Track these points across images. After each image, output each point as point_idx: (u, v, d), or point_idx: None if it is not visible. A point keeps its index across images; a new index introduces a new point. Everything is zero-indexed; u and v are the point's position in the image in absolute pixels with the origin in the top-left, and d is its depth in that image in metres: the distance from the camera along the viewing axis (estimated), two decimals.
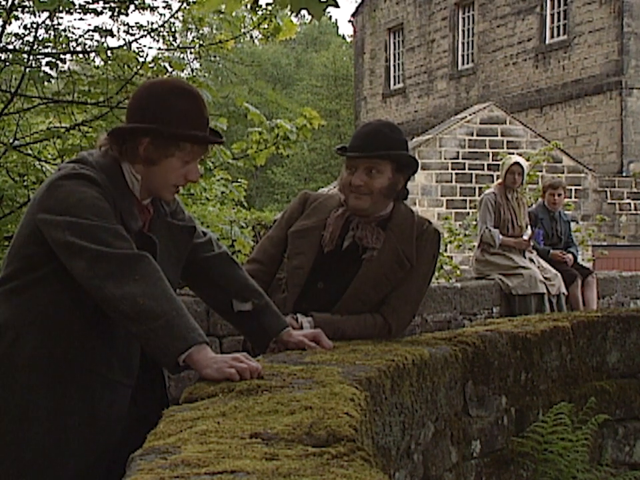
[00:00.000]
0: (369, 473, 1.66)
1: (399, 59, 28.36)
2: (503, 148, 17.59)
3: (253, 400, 2.14)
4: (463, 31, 25.69)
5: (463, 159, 18.06)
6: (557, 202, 8.40)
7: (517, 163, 7.83)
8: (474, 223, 13.16)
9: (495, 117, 18.32)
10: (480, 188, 17.44)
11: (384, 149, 3.14)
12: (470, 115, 18.51)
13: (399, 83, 28.32)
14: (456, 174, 17.96)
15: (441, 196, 17.86)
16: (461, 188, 17.90)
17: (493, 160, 17.41)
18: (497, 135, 18.12)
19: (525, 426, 3.75)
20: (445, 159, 17.99)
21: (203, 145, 2.66)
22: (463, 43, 25.70)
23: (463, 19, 25.66)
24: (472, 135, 18.12)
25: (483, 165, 18.03)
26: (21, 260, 2.60)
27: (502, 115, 18.46)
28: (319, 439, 1.84)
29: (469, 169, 18.07)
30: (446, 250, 12.81)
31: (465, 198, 17.72)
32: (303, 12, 3.23)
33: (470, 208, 16.85)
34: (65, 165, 2.68)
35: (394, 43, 28.50)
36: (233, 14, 7.19)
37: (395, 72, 28.54)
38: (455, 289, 7.43)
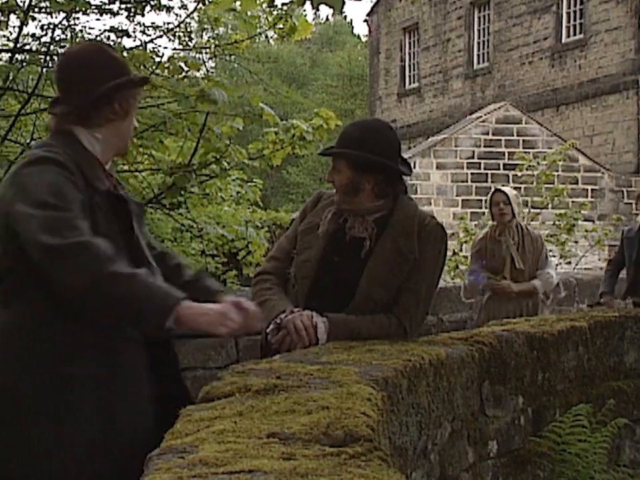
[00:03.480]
0: (387, 472, 1.65)
1: (414, 59, 28.32)
2: (518, 147, 17.54)
3: (270, 400, 2.15)
4: (479, 30, 25.63)
5: (478, 158, 18.03)
6: None
7: (499, 191, 6.48)
8: (489, 223, 13.14)
9: (511, 117, 18.27)
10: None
11: (344, 148, 3.22)
12: (485, 114, 18.47)
13: (414, 82, 28.28)
14: (471, 173, 17.93)
15: (457, 196, 17.83)
16: (476, 187, 17.87)
17: (508, 159, 17.37)
18: (512, 135, 18.08)
19: (542, 426, 3.74)
20: (461, 158, 17.96)
21: (143, 85, 2.88)
22: (479, 42, 25.64)
23: (479, 18, 25.60)
24: (487, 134, 18.08)
25: (499, 164, 17.99)
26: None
27: (518, 114, 18.41)
28: (336, 438, 1.84)
29: (485, 169, 18.03)
30: (461, 250, 12.79)
31: (480, 198, 17.67)
32: (323, 6, 3.24)
33: (485, 208, 16.81)
34: (30, 151, 2.75)
35: (409, 43, 28.45)
36: (248, 13, 7.20)
37: (410, 71, 28.50)
38: None
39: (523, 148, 17.39)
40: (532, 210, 13.43)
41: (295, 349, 3.03)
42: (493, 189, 6.71)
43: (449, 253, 13.97)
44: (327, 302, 3.19)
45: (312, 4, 3.23)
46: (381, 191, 3.23)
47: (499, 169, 17.90)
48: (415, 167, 17.69)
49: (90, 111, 2.70)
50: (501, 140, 18.05)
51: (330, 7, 3.19)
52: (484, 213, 15.77)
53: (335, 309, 3.17)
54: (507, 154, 17.74)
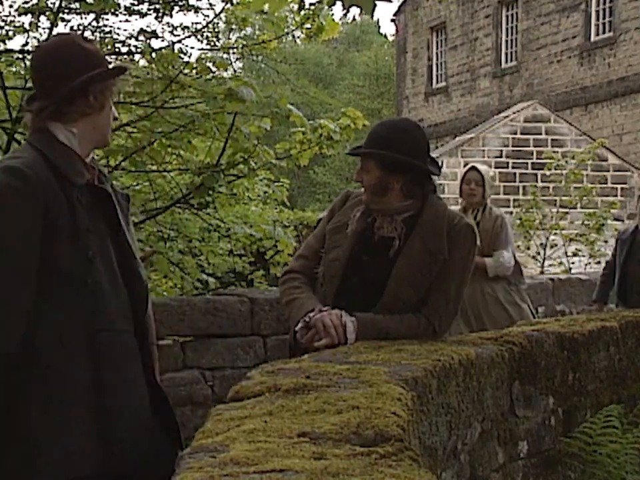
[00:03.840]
0: (418, 473, 1.65)
1: (441, 58, 28.23)
2: (547, 147, 17.43)
3: (300, 399, 2.14)
4: (507, 28, 25.49)
5: (506, 157, 17.93)
6: None
7: (474, 168, 6.07)
8: (517, 221, 13.06)
9: (539, 116, 18.17)
10: (524, 187, 17.31)
11: (372, 148, 3.21)
12: (513, 113, 18.37)
13: (441, 81, 28.19)
14: (499, 173, 17.83)
15: None
16: (504, 187, 17.78)
17: (537, 159, 17.26)
18: (541, 134, 17.96)
19: (573, 427, 3.71)
20: (488, 157, 17.87)
21: (120, 75, 2.86)
22: (507, 41, 25.51)
23: (507, 16, 25.47)
24: (515, 133, 17.98)
25: (527, 163, 17.89)
26: None
27: (546, 113, 18.30)
28: (367, 438, 1.84)
29: (513, 168, 17.93)
30: None
31: (508, 197, 17.59)
32: (354, 8, 3.23)
33: (514, 207, 16.70)
34: (2, 159, 2.82)
35: (436, 42, 28.37)
36: (276, 14, 7.20)
37: (437, 71, 28.42)
38: None
39: (552, 147, 17.28)
40: (560, 209, 13.35)
41: (323, 348, 3.02)
42: (469, 165, 6.20)
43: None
44: (354, 301, 3.18)
45: (343, 5, 3.22)
46: (409, 190, 3.22)
47: (527, 169, 17.80)
48: (442, 167, 17.62)
49: (64, 105, 2.70)
50: (529, 139, 17.95)
51: (361, 8, 3.19)
52: (512, 212, 15.68)
53: (363, 308, 3.17)
54: (535, 153, 17.63)
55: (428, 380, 2.52)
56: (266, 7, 7.03)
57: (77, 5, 6.41)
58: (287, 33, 7.60)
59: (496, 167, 17.89)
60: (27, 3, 6.72)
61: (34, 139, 2.74)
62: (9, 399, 2.55)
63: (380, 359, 2.65)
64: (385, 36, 52.11)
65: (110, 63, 2.98)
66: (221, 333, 5.94)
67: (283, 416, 2.00)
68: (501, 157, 17.97)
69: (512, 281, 6.10)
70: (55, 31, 6.55)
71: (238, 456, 1.66)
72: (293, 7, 7.34)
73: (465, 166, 18.01)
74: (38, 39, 6.58)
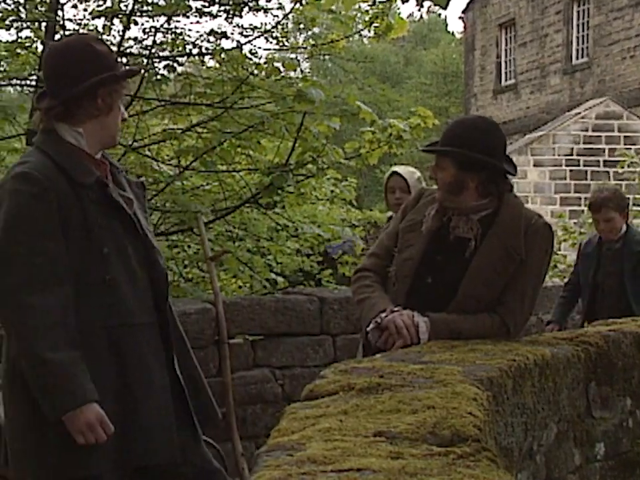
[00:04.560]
0: (497, 473, 1.63)
1: (510, 55, 27.88)
2: (619, 144, 17.13)
3: (374, 398, 2.14)
4: (578, 24, 25.06)
5: (577, 155, 17.67)
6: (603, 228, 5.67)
7: (396, 174, 5.14)
8: (589, 221, 12.83)
9: (612, 112, 17.86)
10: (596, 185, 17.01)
11: (448, 146, 3.16)
12: (585, 110, 18.10)
13: (510, 79, 27.85)
14: (570, 171, 17.58)
15: (555, 193, 17.51)
16: (575, 185, 17.53)
17: (609, 156, 16.96)
18: (613, 131, 17.66)
19: None
20: (559, 155, 17.63)
21: (131, 77, 2.98)
22: (578, 37, 25.08)
23: (578, 12, 25.03)
24: (587, 130, 17.71)
25: (599, 161, 17.60)
26: None
27: (619, 109, 17.98)
28: (443, 438, 1.83)
29: (584, 166, 17.67)
30: (560, 249, 12.55)
31: (579, 195, 17.33)
32: (427, 4, 3.22)
33: (585, 205, 16.44)
34: (13, 166, 2.85)
35: (505, 39, 28.03)
36: (343, 13, 7.20)
37: (506, 68, 28.07)
38: None
39: (624, 144, 16.98)
40: (635, 207, 13.09)
41: (396, 348, 3.01)
42: (390, 171, 5.26)
43: None
44: (427, 301, 3.16)
45: (417, 1, 3.21)
46: (485, 189, 3.18)
47: (598, 166, 17.52)
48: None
49: (72, 107, 2.75)
50: (601, 136, 17.66)
51: (436, 4, 3.18)
52: (583, 211, 15.43)
53: (436, 308, 3.14)
54: (607, 150, 17.34)
55: (503, 380, 2.49)
56: (334, 6, 7.05)
57: (150, 7, 6.50)
58: (356, 32, 7.59)
59: (567, 165, 17.64)
60: (100, 6, 6.84)
61: (41, 141, 2.80)
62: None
63: (454, 359, 2.63)
64: (453, 34, 51.75)
65: (122, 64, 3.03)
66: (290, 331, 5.96)
67: (357, 415, 2.00)
68: (571, 154, 17.70)
69: None
70: (127, 34, 6.67)
71: (315, 455, 1.67)
72: (360, 5, 7.33)
73: (534, 164, 17.82)
74: (111, 42, 6.68)
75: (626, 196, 6.05)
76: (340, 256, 8.94)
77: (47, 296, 2.59)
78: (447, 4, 3.17)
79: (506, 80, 28.08)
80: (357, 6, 7.30)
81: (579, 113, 18.10)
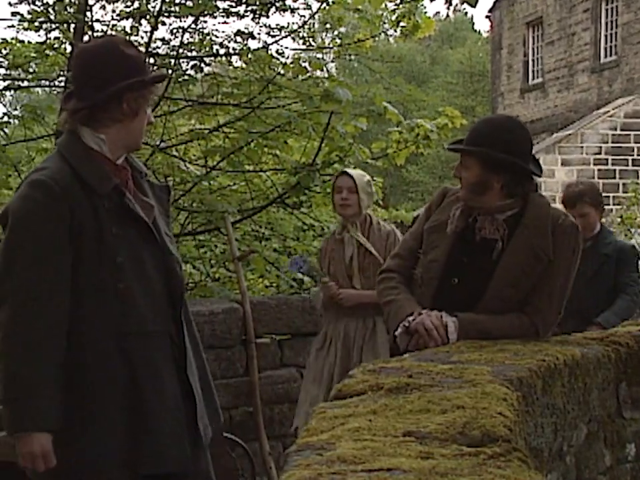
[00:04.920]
0: (528, 474, 1.62)
1: (537, 54, 27.72)
2: None
3: (403, 398, 2.14)
4: (606, 22, 24.86)
5: (605, 154, 17.54)
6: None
7: (344, 173, 4.93)
8: (618, 219, 12.74)
9: None
10: (624, 184, 16.89)
11: (474, 145, 3.14)
12: (613, 109, 17.97)
13: (537, 77, 27.69)
14: (598, 170, 17.46)
15: None
16: (603, 184, 17.37)
17: (638, 155, 16.82)
18: None
19: None
20: (587, 154, 17.51)
21: (159, 82, 2.95)
22: (606, 35, 24.88)
23: (606, 10, 24.84)
24: (615, 129, 17.58)
25: (627, 160, 17.46)
26: None
27: None
28: (473, 438, 1.82)
29: (612, 165, 17.53)
30: None
31: (608, 194, 17.17)
32: (456, 2, 3.22)
33: (613, 204, 16.32)
34: (30, 172, 2.84)
35: (533, 37, 27.87)
36: (370, 12, 7.20)
37: (533, 66, 27.91)
38: None
39: None
40: None
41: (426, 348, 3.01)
42: (339, 170, 5.06)
43: None
44: (454, 303, 3.14)
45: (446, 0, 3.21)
46: (510, 190, 3.16)
47: (627, 165, 17.38)
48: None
49: (97, 111, 2.73)
50: (629, 135, 17.51)
51: (464, 2, 3.17)
52: (612, 210, 15.32)
53: (462, 309, 3.13)
54: (636, 149, 17.20)
55: (533, 380, 2.48)
56: (361, 5, 7.05)
57: (177, 8, 6.53)
58: (383, 32, 7.58)
59: (595, 164, 17.51)
60: (128, 7, 6.88)
61: (63, 145, 2.79)
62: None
63: (483, 359, 2.62)
64: (479, 32, 51.54)
65: (151, 68, 3.00)
66: (317, 331, 5.95)
67: (387, 415, 2.00)
68: (600, 153, 17.58)
69: None
70: (155, 35, 6.70)
71: (345, 454, 1.67)
72: (387, 4, 7.32)
73: (562, 163, 17.70)
74: (139, 42, 6.72)
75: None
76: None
77: (40, 309, 2.59)
78: (476, 2, 3.16)
79: (533, 79, 27.91)
80: (383, 5, 7.29)
81: (607, 112, 17.97)
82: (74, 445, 2.64)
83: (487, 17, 30.30)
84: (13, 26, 7.08)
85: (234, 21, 6.99)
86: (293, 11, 6.91)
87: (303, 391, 5.03)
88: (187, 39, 6.82)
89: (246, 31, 6.72)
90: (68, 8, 6.63)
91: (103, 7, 6.99)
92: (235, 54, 6.88)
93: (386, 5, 7.30)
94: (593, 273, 5.09)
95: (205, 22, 6.85)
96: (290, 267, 4.69)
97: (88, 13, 6.66)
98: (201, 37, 6.85)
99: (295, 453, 1.71)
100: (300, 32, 7.20)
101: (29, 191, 2.67)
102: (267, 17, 6.83)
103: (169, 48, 6.85)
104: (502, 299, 3.11)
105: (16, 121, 7.17)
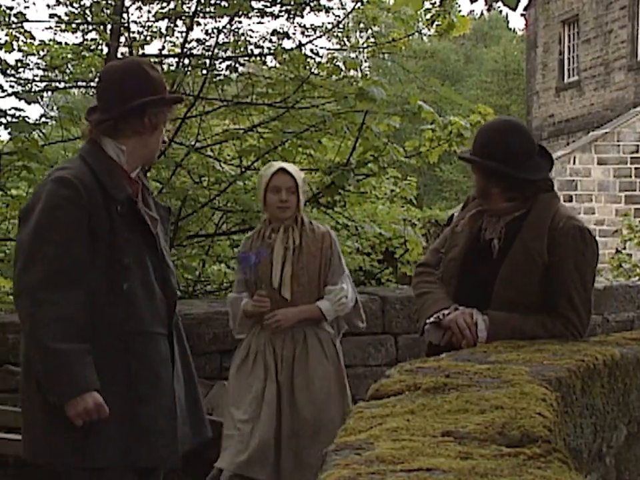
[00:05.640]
0: (569, 475, 1.61)
1: (573, 52, 27.49)
2: None
3: (441, 398, 2.13)
4: None
5: None
6: None
7: (283, 170, 4.23)
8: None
9: None
10: None
11: (474, 153, 3.23)
12: None
13: (573, 75, 27.45)
14: (635, 168, 17.26)
15: (619, 191, 17.20)
16: None
17: None
18: None
19: None
20: (624, 153, 17.32)
21: (177, 104, 3.19)
22: None
23: None
24: None
25: None
26: None
27: None
28: (513, 439, 1.80)
29: None
30: (625, 247, 12.35)
31: None
32: (497, 4, 3.20)
33: None
34: (54, 169, 3.03)
35: (568, 35, 27.64)
36: (405, 12, 7.17)
37: (569, 65, 27.68)
38: (637, 288, 7.14)
39: None
40: None
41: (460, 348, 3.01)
42: (274, 167, 4.29)
43: (612, 251, 13.49)
44: (470, 303, 3.18)
45: (486, 1, 3.20)
46: (508, 195, 3.22)
47: None
48: (574, 163, 17.19)
49: (120, 122, 2.93)
50: None
51: (505, 5, 3.15)
52: None
53: (479, 309, 3.16)
54: None
55: (572, 380, 2.46)
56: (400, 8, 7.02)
57: (212, 8, 6.56)
58: (417, 31, 7.56)
59: (631, 163, 17.32)
60: (163, 8, 6.92)
61: (85, 151, 2.99)
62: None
63: (520, 359, 2.61)
64: (514, 31, 51.22)
65: (171, 91, 3.24)
66: (352, 331, 5.97)
67: (425, 415, 1.99)
68: (637, 152, 17.38)
69: (346, 324, 4.48)
70: (190, 35, 6.74)
71: (383, 454, 1.66)
72: (429, 3, 7.29)
73: (598, 162, 17.54)
74: (174, 43, 6.76)
75: None
76: (401, 255, 8.87)
77: (63, 293, 2.74)
78: (517, 5, 3.14)
79: (569, 77, 27.68)
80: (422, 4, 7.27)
81: None
82: (75, 436, 2.80)
83: (522, 15, 30.10)
84: (50, 28, 7.17)
85: (269, 21, 7.02)
86: (327, 10, 6.91)
87: (227, 418, 4.22)
88: (222, 39, 6.86)
89: (281, 31, 6.73)
90: (105, 9, 6.69)
91: (139, 8, 7.04)
92: (269, 54, 6.89)
93: (422, 4, 7.28)
94: None
95: (240, 22, 6.89)
96: (241, 265, 4.17)
97: (124, 15, 6.71)
98: (235, 37, 6.87)
99: (333, 452, 1.71)
100: (334, 31, 7.20)
101: (55, 187, 2.83)
102: (302, 16, 6.84)
103: (204, 48, 6.89)
104: (509, 302, 3.13)
105: (53, 122, 7.24)
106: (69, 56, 7.22)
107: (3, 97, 6.50)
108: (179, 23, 6.86)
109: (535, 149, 3.25)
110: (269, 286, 4.17)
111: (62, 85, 7.26)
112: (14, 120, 5.92)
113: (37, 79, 7.02)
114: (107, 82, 3.03)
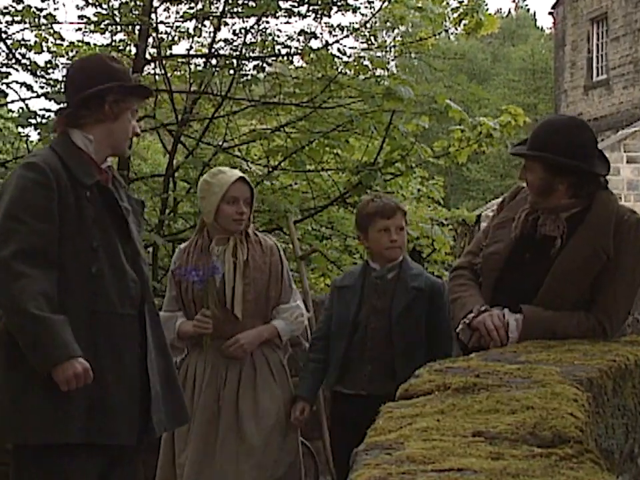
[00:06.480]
0: (601, 475, 1.60)
1: (602, 50, 27.30)
2: None
3: (471, 398, 2.12)
4: None
5: None
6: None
7: (242, 180, 3.86)
8: None
9: None
10: None
11: (536, 149, 3.14)
12: None
13: (602, 74, 27.26)
14: None
15: None
16: None
17: None
18: None
19: None
20: None
21: (143, 96, 3.22)
22: None
23: None
24: None
25: None
26: None
27: None
28: (544, 439, 1.79)
29: None
30: None
31: None
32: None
33: None
34: (25, 157, 3.20)
35: (597, 34, 27.45)
36: (432, 10, 7.14)
37: (597, 63, 27.49)
38: None
39: None
40: None
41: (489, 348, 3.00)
42: (232, 176, 3.87)
43: None
44: (512, 297, 3.14)
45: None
46: (574, 191, 3.16)
47: None
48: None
49: (81, 110, 3.02)
50: None
51: None
52: None
53: (520, 302, 3.12)
54: None
55: (603, 381, 2.44)
56: (420, 2, 7.00)
57: (240, 8, 6.58)
58: (445, 30, 7.54)
59: None
60: (191, 8, 6.95)
61: (54, 142, 3.10)
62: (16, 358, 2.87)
63: (551, 359, 2.59)
64: (542, 29, 50.95)
65: (135, 81, 3.40)
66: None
67: (455, 415, 1.98)
68: None
69: (290, 346, 4.17)
70: (218, 35, 6.76)
71: (414, 454, 1.66)
72: (449, 2, 7.27)
73: (627, 161, 17.39)
74: (202, 43, 6.79)
75: None
76: (429, 255, 8.84)
77: (38, 270, 2.81)
78: None
79: (597, 75, 27.49)
80: (445, 2, 7.25)
81: None
82: (36, 410, 2.84)
83: (549, 13, 29.95)
84: (79, 29, 7.23)
85: (296, 21, 7.03)
86: (354, 10, 6.90)
87: (162, 447, 3.91)
88: (250, 39, 6.88)
89: (308, 31, 6.74)
90: (133, 10, 6.73)
91: (167, 9, 7.08)
92: (296, 54, 6.90)
93: (448, 3, 7.26)
94: (402, 310, 3.95)
95: (267, 22, 6.90)
96: (186, 280, 3.81)
97: (152, 15, 6.74)
98: (263, 37, 6.89)
99: (363, 452, 1.71)
100: (361, 31, 7.19)
101: (24, 172, 2.94)
102: (329, 16, 6.84)
103: (231, 48, 6.91)
104: (559, 297, 3.10)
105: None
106: None
107: (32, 98, 6.57)
108: (207, 23, 6.89)
109: (597, 145, 3.24)
110: (219, 304, 3.80)
111: None
112: (44, 121, 5.97)
113: None
114: (69, 76, 3.16)
